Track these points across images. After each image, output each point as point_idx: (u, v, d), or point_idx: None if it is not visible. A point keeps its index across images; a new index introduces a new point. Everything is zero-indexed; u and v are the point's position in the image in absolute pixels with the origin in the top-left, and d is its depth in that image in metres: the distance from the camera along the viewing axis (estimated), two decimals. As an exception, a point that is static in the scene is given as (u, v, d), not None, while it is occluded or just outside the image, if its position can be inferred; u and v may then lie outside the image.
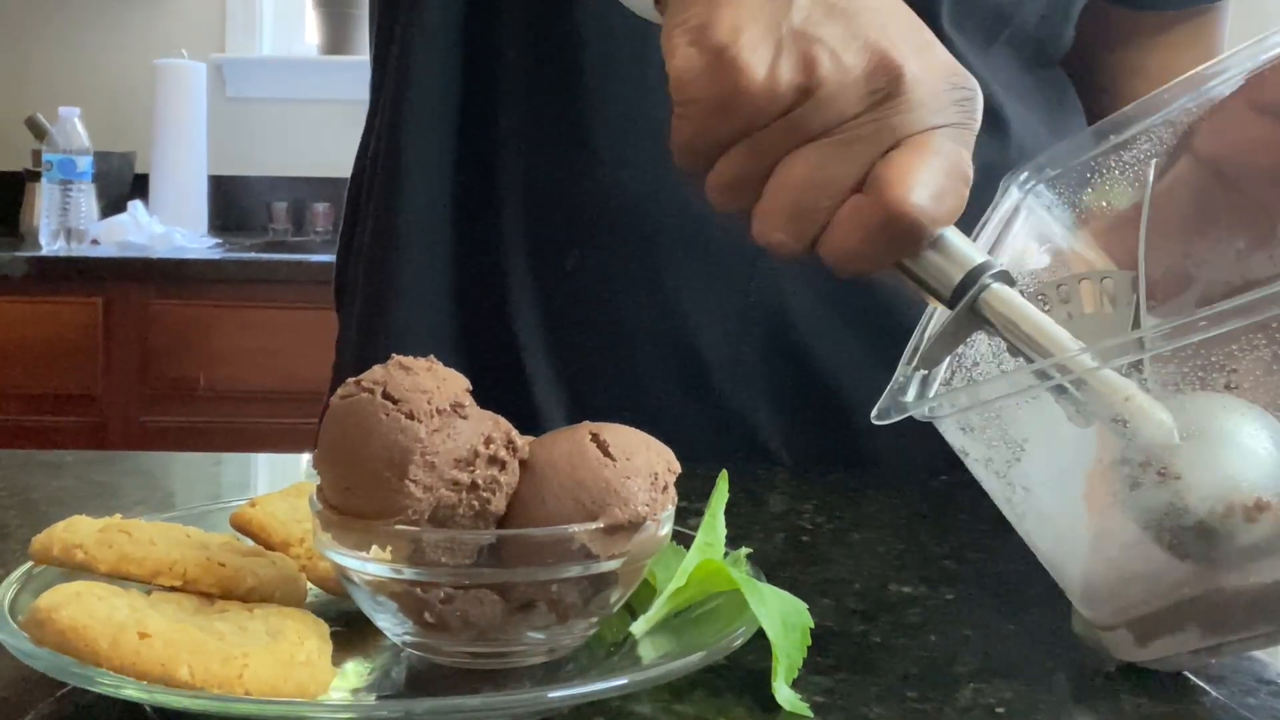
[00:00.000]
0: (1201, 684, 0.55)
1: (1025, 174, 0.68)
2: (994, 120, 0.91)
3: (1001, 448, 0.58)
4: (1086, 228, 0.67)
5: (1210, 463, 0.52)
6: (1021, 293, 0.56)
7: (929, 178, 0.54)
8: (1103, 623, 0.57)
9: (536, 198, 0.90)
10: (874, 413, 0.59)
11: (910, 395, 0.59)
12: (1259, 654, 0.59)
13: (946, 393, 0.61)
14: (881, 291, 0.91)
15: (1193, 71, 0.64)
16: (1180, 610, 0.54)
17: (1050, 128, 0.96)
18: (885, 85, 0.54)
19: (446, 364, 0.55)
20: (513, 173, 0.90)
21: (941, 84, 0.55)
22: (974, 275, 0.56)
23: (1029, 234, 0.67)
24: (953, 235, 0.56)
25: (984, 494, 0.86)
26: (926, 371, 0.61)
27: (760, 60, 0.54)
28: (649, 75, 0.86)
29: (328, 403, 1.06)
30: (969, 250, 0.56)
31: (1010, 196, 0.68)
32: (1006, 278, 0.56)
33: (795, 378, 0.91)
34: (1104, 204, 0.67)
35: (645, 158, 0.87)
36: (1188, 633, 0.54)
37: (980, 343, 0.63)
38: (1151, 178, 0.65)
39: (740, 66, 0.54)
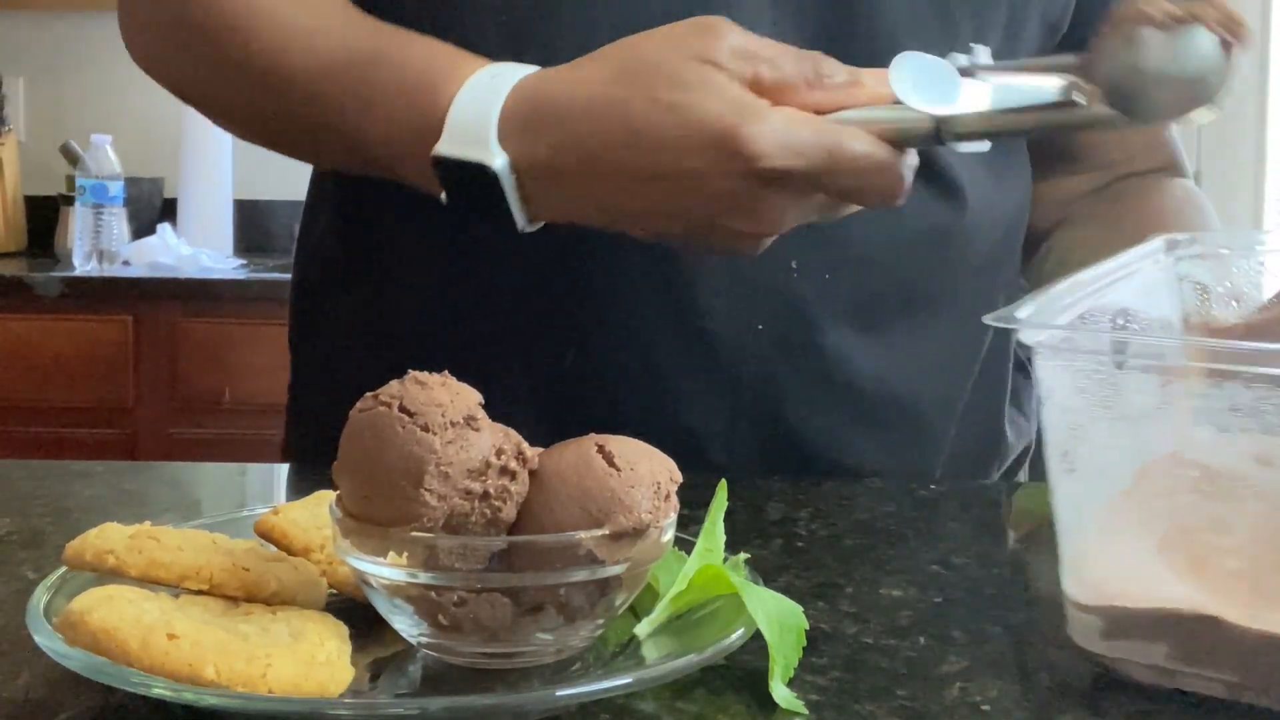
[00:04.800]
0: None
1: (1178, 242, 0.68)
2: (951, 190, 0.90)
3: (1090, 407, 0.56)
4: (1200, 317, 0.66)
5: None
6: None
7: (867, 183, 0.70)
8: (1079, 600, 0.56)
9: (531, 302, 0.88)
10: (988, 317, 0.59)
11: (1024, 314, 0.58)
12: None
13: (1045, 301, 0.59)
14: (870, 370, 0.90)
15: None
16: (1163, 623, 0.53)
17: (997, 178, 0.95)
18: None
19: None
20: (510, 279, 0.88)
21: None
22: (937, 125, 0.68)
23: (1144, 285, 0.66)
24: (889, 117, 0.70)
25: (971, 503, 0.86)
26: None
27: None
28: None
29: (284, 443, 1.04)
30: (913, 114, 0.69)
31: (1154, 249, 0.67)
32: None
33: (787, 455, 0.89)
34: (1233, 304, 0.66)
35: (639, 256, 0.85)
36: (1156, 647, 0.54)
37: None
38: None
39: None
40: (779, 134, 0.69)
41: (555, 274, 0.87)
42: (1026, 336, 0.57)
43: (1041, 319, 0.57)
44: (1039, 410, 0.58)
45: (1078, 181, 1.04)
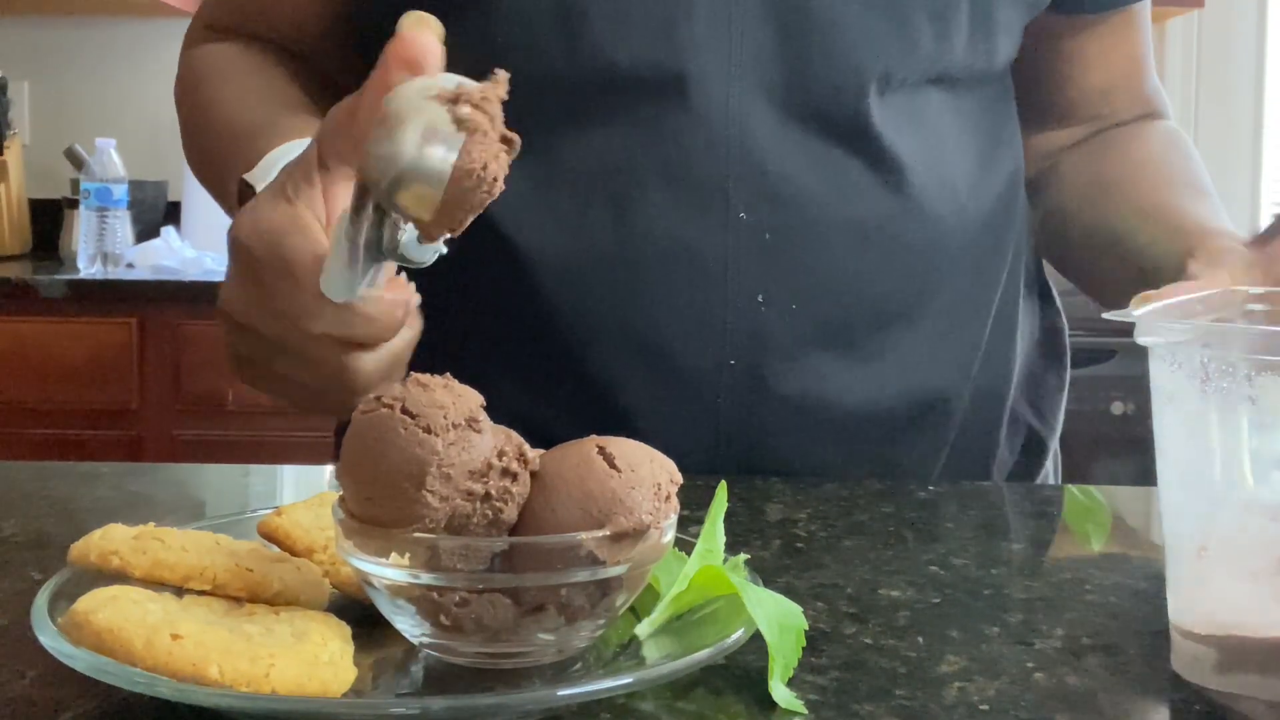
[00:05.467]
0: (1172, 681, 0.55)
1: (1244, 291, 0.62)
2: (914, 207, 0.89)
3: (1213, 412, 0.51)
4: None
5: None
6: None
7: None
8: (1188, 629, 0.52)
9: (506, 351, 0.89)
10: (1108, 314, 0.57)
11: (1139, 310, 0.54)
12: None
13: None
14: (850, 391, 0.89)
15: None
16: None
17: (975, 174, 0.93)
18: None
19: None
20: (487, 327, 0.90)
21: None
22: None
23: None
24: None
25: (968, 504, 0.86)
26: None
27: None
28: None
29: (333, 455, 1.05)
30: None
31: (1221, 295, 0.62)
32: None
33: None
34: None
35: (609, 300, 0.86)
36: (1277, 681, 0.49)
37: None
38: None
39: None
40: (252, 214, 0.69)
41: (526, 321, 0.87)
42: (1142, 336, 0.53)
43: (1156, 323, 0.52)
44: (1154, 418, 0.54)
45: (1063, 135, 1.04)
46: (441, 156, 0.55)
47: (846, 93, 0.87)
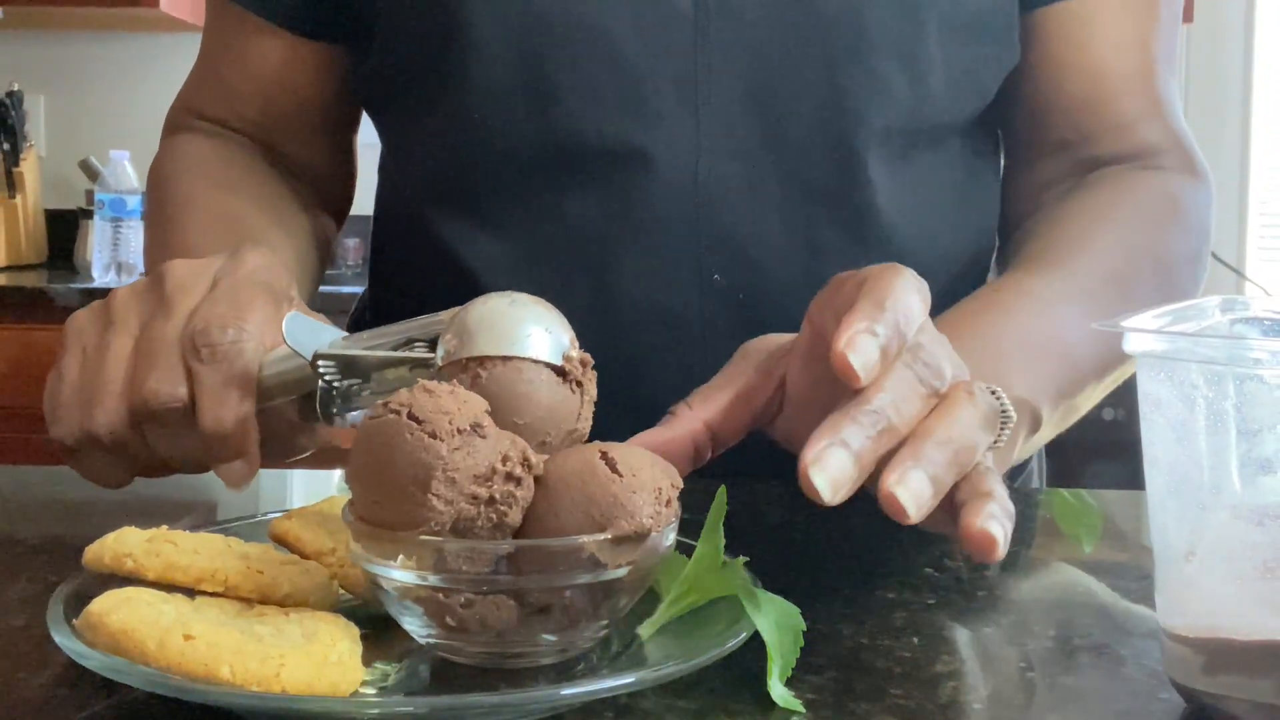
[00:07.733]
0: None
1: (1234, 302, 0.59)
2: (873, 232, 0.88)
3: (1200, 420, 0.51)
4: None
5: None
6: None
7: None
8: (1178, 632, 0.52)
9: None
10: (1095, 324, 0.55)
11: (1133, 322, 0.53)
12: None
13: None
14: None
15: None
16: (1270, 656, 0.48)
17: (955, 214, 0.92)
18: None
19: None
20: None
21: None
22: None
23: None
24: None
25: (963, 507, 0.86)
26: None
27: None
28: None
29: None
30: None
31: (1210, 305, 0.59)
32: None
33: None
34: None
35: (597, 352, 0.87)
36: (1266, 682, 0.49)
37: None
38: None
39: None
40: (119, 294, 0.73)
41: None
42: (1130, 346, 0.52)
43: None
44: (1142, 424, 0.53)
45: (1042, 168, 0.97)
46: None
47: (818, 151, 0.87)
